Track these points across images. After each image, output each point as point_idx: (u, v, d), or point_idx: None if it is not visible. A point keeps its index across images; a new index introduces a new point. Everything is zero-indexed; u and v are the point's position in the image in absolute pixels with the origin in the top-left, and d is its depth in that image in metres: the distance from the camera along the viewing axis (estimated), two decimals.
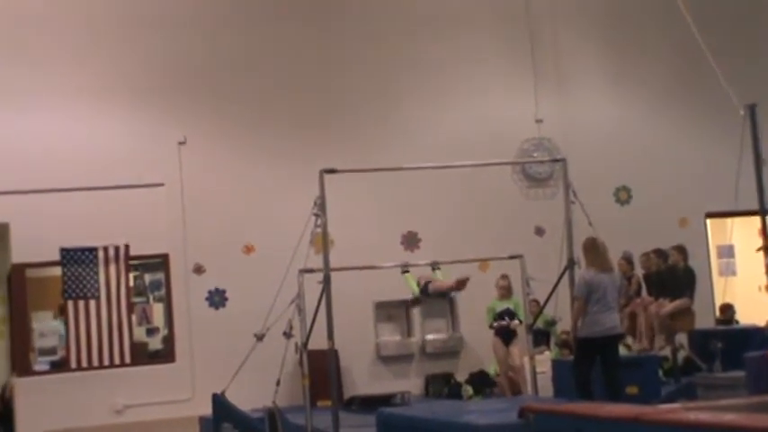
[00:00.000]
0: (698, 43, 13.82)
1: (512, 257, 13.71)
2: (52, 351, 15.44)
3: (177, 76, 15.86)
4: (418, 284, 13.29)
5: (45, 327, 15.53)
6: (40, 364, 15.31)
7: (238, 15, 16.32)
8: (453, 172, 15.25)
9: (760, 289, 16.63)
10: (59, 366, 15.24)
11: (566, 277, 12.74)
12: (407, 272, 13.41)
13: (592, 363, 11.58)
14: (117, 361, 15.07)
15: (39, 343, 15.38)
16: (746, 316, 16.89)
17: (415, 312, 16.40)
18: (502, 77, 17.35)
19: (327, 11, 16.75)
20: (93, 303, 15.04)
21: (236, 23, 16.27)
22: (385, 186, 15.89)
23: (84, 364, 14.95)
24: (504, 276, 14.76)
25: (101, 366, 15.00)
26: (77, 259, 14.99)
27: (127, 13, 15.80)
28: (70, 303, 14.97)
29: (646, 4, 17.91)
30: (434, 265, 13.60)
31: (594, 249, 11.76)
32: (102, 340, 15.01)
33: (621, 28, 17.95)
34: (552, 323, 14.92)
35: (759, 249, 13.84)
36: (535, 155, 16.90)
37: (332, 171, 12.32)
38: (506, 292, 14.77)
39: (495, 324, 14.65)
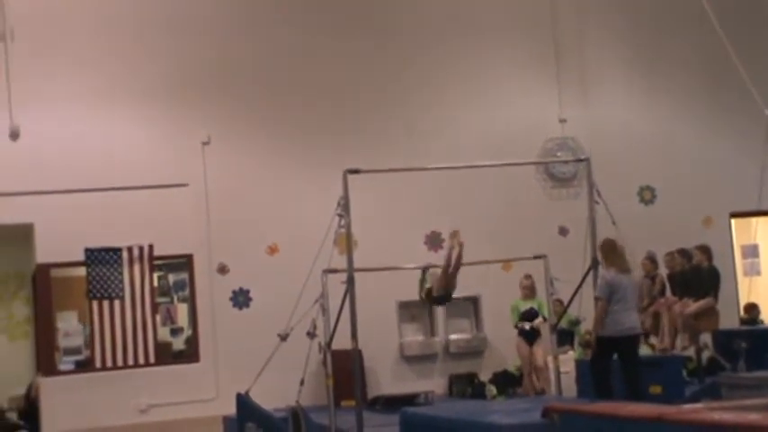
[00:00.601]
0: (723, 43, 13.78)
1: (536, 257, 13.69)
2: (77, 351, 15.53)
3: (202, 76, 15.91)
4: (423, 284, 13.13)
5: (69, 326, 15.61)
6: (65, 363, 15.40)
7: (263, 18, 16.34)
8: (477, 172, 15.23)
9: None
10: (84, 366, 15.33)
11: (589, 277, 12.72)
12: (426, 270, 13.19)
13: (609, 361, 11.66)
14: (141, 361, 15.15)
15: (63, 342, 15.46)
16: None
17: (439, 312, 16.39)
18: (526, 78, 17.33)
19: (352, 15, 16.76)
20: (117, 303, 15.12)
21: (260, 26, 16.30)
22: (409, 187, 15.88)
23: (109, 363, 15.03)
24: (528, 276, 14.75)
25: (125, 366, 15.08)
26: (102, 259, 15.07)
27: (152, 14, 15.85)
28: (95, 303, 15.05)
29: (671, 4, 17.84)
30: (425, 269, 13.30)
31: (613, 250, 11.85)
32: (127, 340, 15.08)
33: (646, 27, 17.88)
34: (576, 323, 14.91)
35: None
36: (559, 155, 16.86)
37: (356, 171, 12.33)
38: (530, 291, 14.77)
39: (519, 325, 14.67)
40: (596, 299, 11.79)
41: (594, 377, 11.63)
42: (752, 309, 16.66)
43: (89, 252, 15.00)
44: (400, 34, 16.87)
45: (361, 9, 16.83)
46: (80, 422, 14.57)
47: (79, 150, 15.24)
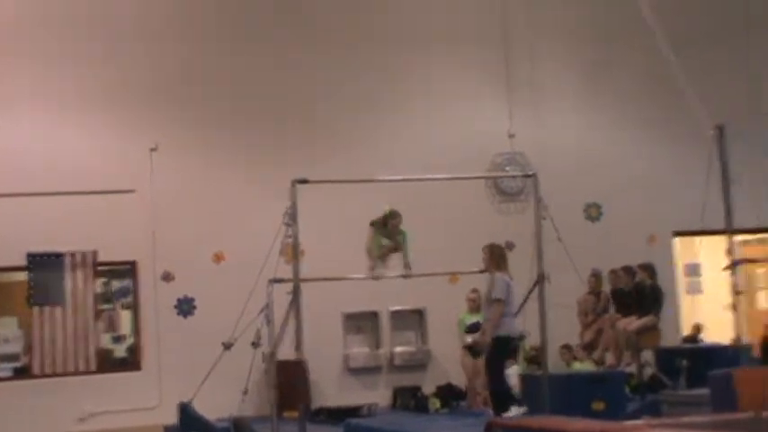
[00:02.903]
0: (669, 63, 13.92)
1: (482, 271, 13.69)
2: (15, 357, 15.29)
3: (150, 82, 15.82)
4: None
5: (9, 332, 15.38)
6: (3, 370, 15.15)
7: (211, 26, 16.30)
8: (425, 184, 15.26)
9: (725, 308, 16.73)
10: (22, 373, 15.10)
11: (535, 292, 12.76)
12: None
13: (506, 359, 12.25)
14: (82, 368, 14.99)
15: (1, 349, 15.23)
16: (712, 334, 17.00)
17: (384, 324, 16.41)
18: (476, 92, 17.38)
19: (301, 23, 16.71)
20: (58, 309, 14.94)
21: (209, 34, 16.24)
22: (357, 198, 15.83)
23: (48, 370, 14.84)
24: (475, 290, 14.78)
25: (65, 373, 14.89)
26: (44, 264, 14.91)
27: (100, 22, 15.74)
28: (35, 309, 14.86)
29: (619, 23, 17.96)
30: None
31: (503, 256, 12.28)
32: (68, 347, 14.92)
33: (595, 45, 18.00)
34: (521, 338, 14.92)
35: (725, 268, 13.96)
36: (507, 169, 16.91)
37: (304, 181, 12.31)
38: (476, 305, 14.80)
39: (467, 338, 14.70)
40: (496, 300, 11.91)
41: (495, 375, 11.92)
42: (698, 329, 16.92)
43: (31, 257, 14.84)
44: (349, 47, 16.85)
45: (312, 22, 16.77)
46: (18, 430, 14.35)
47: (25, 154, 15.08)
